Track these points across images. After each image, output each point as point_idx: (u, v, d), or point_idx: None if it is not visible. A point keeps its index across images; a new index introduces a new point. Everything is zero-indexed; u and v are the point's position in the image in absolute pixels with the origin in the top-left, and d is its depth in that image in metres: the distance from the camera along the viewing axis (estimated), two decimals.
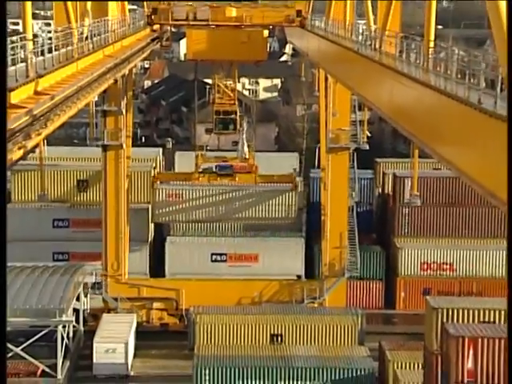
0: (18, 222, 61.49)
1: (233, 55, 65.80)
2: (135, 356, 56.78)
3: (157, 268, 63.67)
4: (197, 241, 63.64)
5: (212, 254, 62.83)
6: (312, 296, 61.68)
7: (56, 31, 35.73)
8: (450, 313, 40.70)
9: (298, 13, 65.01)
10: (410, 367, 45.55)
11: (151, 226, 65.80)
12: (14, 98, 25.45)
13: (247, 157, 66.62)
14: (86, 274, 59.00)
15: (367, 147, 64.90)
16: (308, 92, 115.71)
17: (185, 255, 62.75)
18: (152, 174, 66.30)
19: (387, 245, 65.22)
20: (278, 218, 64.54)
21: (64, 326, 52.86)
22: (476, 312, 41.06)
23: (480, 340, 37.62)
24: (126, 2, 56.68)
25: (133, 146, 66.48)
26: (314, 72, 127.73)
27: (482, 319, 40.94)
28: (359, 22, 48.82)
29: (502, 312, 41.07)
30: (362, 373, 46.20)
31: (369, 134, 66.79)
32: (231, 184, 64.96)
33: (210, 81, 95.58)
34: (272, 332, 50.32)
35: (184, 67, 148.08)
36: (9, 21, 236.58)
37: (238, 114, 69.21)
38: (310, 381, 46.05)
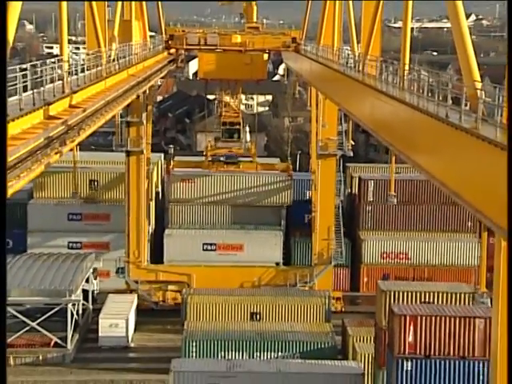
0: (39, 215, 62.65)
1: (237, 75, 66.12)
2: (136, 330, 56.99)
3: (157, 256, 63.62)
4: (190, 233, 63.62)
5: (203, 244, 62.95)
6: (304, 280, 61.75)
7: (88, 54, 35.86)
8: (396, 295, 41.57)
9: (293, 39, 65.35)
10: (366, 341, 46.16)
11: (152, 220, 65.67)
12: (52, 110, 25.57)
13: (250, 146, 68.06)
14: (94, 260, 59.38)
15: (351, 154, 64.98)
16: (293, 107, 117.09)
17: (180, 245, 62.74)
18: (153, 175, 66.57)
19: (353, 237, 65.51)
20: (274, 202, 64.77)
21: (74, 304, 53.28)
22: (418, 294, 41.96)
23: (419, 318, 38.09)
24: (147, 29, 56.75)
25: None
26: (301, 90, 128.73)
27: (423, 300, 41.71)
28: (345, 47, 48.88)
29: (440, 294, 42.30)
30: (326, 345, 46.57)
31: (353, 143, 66.84)
32: (236, 171, 65.75)
33: (211, 96, 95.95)
34: (252, 311, 50.64)
35: (189, 84, 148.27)
36: (44, 45, 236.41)
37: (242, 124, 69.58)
38: (281, 352, 46.32)
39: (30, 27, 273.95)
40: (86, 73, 32.24)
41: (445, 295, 42.59)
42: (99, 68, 34.88)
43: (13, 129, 21.04)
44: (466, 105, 20.14)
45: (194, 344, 46.22)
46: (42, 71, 26.17)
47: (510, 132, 15.76)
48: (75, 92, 29.00)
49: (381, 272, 63.06)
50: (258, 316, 50.51)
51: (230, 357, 45.88)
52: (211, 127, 78.14)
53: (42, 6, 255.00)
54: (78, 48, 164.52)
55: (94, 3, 38.62)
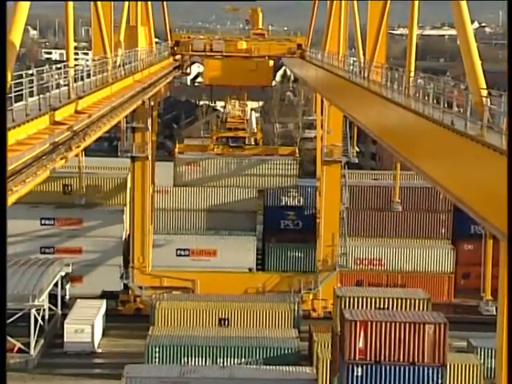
0: (11, 220, 61.69)
1: (243, 81, 66.13)
2: (104, 335, 56.57)
3: (129, 261, 63.00)
4: (164, 238, 63.51)
5: (177, 250, 62.98)
6: (308, 287, 61.67)
7: (94, 60, 35.92)
8: (352, 301, 41.43)
9: (299, 46, 65.40)
10: (330, 347, 45.84)
11: (127, 224, 65.28)
12: (58, 116, 25.62)
13: (255, 131, 68.16)
14: (64, 265, 58.85)
15: (356, 161, 64.94)
16: (280, 113, 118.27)
17: (154, 250, 62.78)
18: (127, 181, 65.46)
19: None
20: (280, 185, 65.10)
21: (38, 310, 52.74)
22: (373, 300, 41.86)
23: (370, 323, 38.22)
24: (153, 35, 56.86)
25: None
26: (290, 96, 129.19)
27: (378, 306, 41.62)
28: (351, 55, 48.92)
29: (395, 300, 42.17)
30: (289, 351, 46.69)
31: (358, 150, 66.79)
32: (241, 154, 66.22)
33: (201, 102, 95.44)
34: (220, 317, 50.75)
35: (184, 90, 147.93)
36: (43, 50, 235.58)
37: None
38: (245, 358, 46.44)
39: (33, 32, 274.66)
40: (92, 78, 32.30)
41: (400, 301, 42.51)
42: (105, 74, 34.93)
43: (18, 134, 21.08)
44: (471, 113, 20.12)
45: (157, 350, 46.20)
46: (48, 77, 26.23)
47: (510, 137, 15.74)
48: (81, 98, 29.06)
49: (354, 278, 63.11)
50: (226, 322, 50.60)
51: (193, 363, 45.94)
52: (198, 133, 78.46)
53: (46, 12, 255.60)
54: (77, 53, 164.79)
55: (100, 9, 38.69)
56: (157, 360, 46.13)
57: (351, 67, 41.04)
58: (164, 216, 64.68)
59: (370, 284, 61.89)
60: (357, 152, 65.41)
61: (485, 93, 20.11)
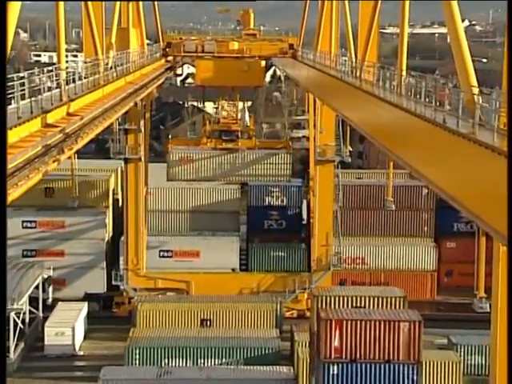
0: None
1: (235, 82, 66.14)
2: (86, 338, 56.43)
3: (113, 263, 63.25)
4: (147, 239, 63.42)
5: (160, 251, 62.91)
6: (302, 287, 61.68)
7: (85, 62, 35.87)
8: (329, 300, 41.89)
9: (291, 46, 65.49)
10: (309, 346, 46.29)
11: (109, 227, 65.17)
12: (50, 118, 25.57)
13: (248, 124, 68.22)
14: (44, 268, 58.45)
15: (349, 160, 65.02)
16: (266, 113, 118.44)
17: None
18: (109, 182, 65.55)
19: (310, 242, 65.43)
20: (274, 175, 65.37)
21: (18, 313, 52.36)
22: (350, 299, 42.36)
23: (345, 322, 38.40)
24: (144, 37, 56.78)
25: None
26: (277, 96, 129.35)
27: (354, 305, 42.12)
28: (343, 53, 48.95)
29: (372, 298, 42.84)
30: (269, 351, 46.85)
31: (351, 149, 66.88)
32: (234, 147, 66.40)
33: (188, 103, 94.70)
34: (202, 317, 50.83)
35: (171, 91, 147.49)
36: (32, 53, 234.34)
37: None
38: (225, 358, 46.51)
39: (24, 35, 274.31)
40: (84, 81, 32.25)
41: (376, 299, 43.00)
42: (97, 76, 34.89)
43: (11, 137, 21.02)
44: (462, 111, 20.15)
45: (138, 351, 46.24)
46: (39, 79, 26.18)
47: (510, 137, 15.76)
48: (73, 100, 29.01)
49: (337, 277, 63.22)
50: (208, 323, 50.63)
51: (173, 364, 45.96)
52: (184, 134, 78.42)
53: (37, 15, 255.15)
54: (66, 55, 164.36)
55: (91, 11, 38.62)
56: (137, 362, 46.06)
57: (343, 67, 41.06)
58: (147, 217, 64.40)
59: (353, 283, 62.11)
60: (350, 151, 65.47)
61: (476, 91, 20.15)
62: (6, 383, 15.58)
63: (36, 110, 24.31)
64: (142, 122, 61.05)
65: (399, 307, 42.78)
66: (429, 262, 64.11)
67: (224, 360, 46.44)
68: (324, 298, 41.89)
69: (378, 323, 38.59)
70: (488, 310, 42.21)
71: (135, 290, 61.60)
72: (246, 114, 66.31)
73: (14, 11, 22.53)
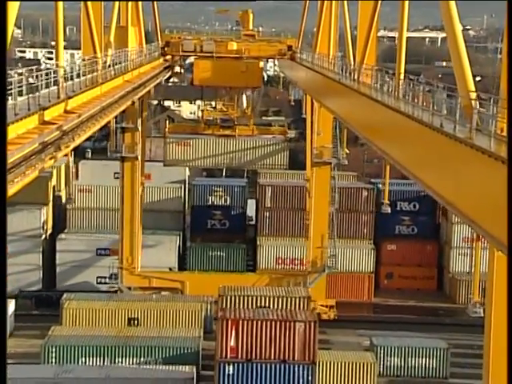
0: None
1: (233, 82, 66.08)
2: (11, 336, 54.52)
3: (49, 260, 63.01)
4: (84, 237, 63.30)
5: (97, 249, 62.68)
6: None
7: (84, 60, 35.87)
8: (234, 299, 42.31)
9: (289, 47, 65.49)
10: None
11: (48, 224, 64.73)
12: (47, 115, 25.56)
13: (247, 111, 68.12)
14: None
15: (346, 162, 65.02)
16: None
17: (73, 249, 62.63)
18: (50, 180, 65.07)
19: (253, 243, 66.05)
20: (271, 163, 65.31)
21: None
22: (255, 299, 42.76)
23: (241, 322, 38.44)
24: (143, 35, 56.76)
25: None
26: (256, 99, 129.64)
27: (259, 305, 42.36)
28: (341, 56, 48.99)
29: (275, 298, 43.32)
30: (187, 351, 46.14)
31: (347, 151, 66.89)
32: (232, 134, 66.15)
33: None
34: (130, 316, 50.67)
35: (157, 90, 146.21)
36: (16, 49, 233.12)
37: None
38: (144, 357, 46.14)
39: (17, 31, 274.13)
40: (82, 78, 32.24)
41: (280, 300, 43.18)
42: (95, 74, 34.88)
43: (8, 133, 21.01)
44: (460, 115, 20.18)
45: (54, 350, 45.74)
46: (37, 76, 26.17)
47: (510, 143, 15.77)
48: (70, 97, 29.00)
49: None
50: (136, 322, 50.41)
51: (91, 363, 45.52)
52: (148, 133, 78.05)
53: (29, 11, 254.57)
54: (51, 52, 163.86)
55: (90, 9, 38.61)
56: (53, 360, 45.50)
57: (341, 69, 41.09)
58: (86, 215, 64.27)
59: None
60: (346, 154, 65.47)
61: (473, 95, 20.18)
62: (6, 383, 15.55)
63: (33, 107, 24.30)
64: (139, 121, 61.02)
65: (303, 308, 42.84)
66: (367, 264, 64.39)
67: (143, 359, 45.89)
68: (229, 297, 41.99)
69: (274, 323, 38.75)
70: (482, 314, 42.36)
71: (130, 288, 61.56)
72: (244, 99, 66.08)
73: (13, 10, 22.53)
